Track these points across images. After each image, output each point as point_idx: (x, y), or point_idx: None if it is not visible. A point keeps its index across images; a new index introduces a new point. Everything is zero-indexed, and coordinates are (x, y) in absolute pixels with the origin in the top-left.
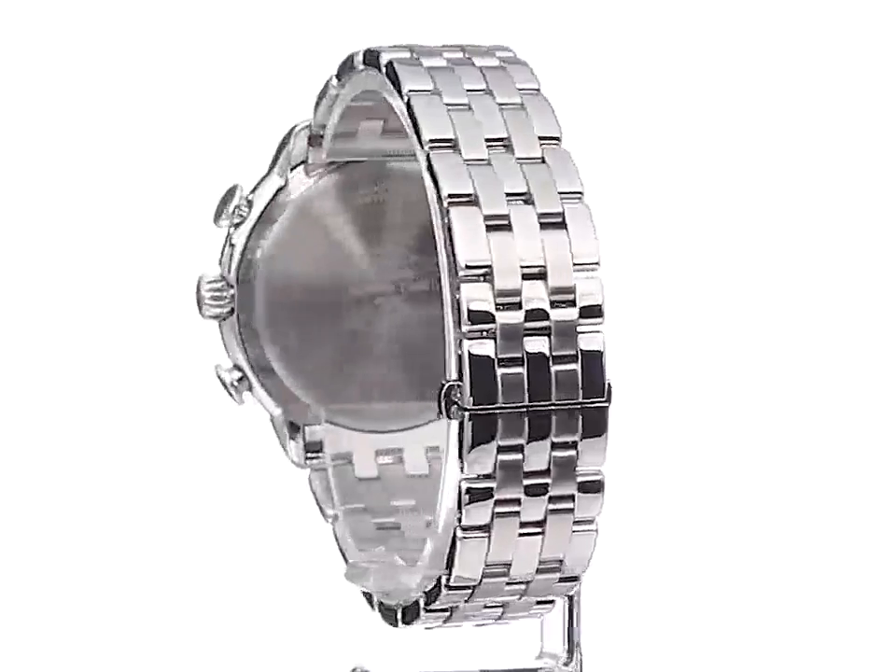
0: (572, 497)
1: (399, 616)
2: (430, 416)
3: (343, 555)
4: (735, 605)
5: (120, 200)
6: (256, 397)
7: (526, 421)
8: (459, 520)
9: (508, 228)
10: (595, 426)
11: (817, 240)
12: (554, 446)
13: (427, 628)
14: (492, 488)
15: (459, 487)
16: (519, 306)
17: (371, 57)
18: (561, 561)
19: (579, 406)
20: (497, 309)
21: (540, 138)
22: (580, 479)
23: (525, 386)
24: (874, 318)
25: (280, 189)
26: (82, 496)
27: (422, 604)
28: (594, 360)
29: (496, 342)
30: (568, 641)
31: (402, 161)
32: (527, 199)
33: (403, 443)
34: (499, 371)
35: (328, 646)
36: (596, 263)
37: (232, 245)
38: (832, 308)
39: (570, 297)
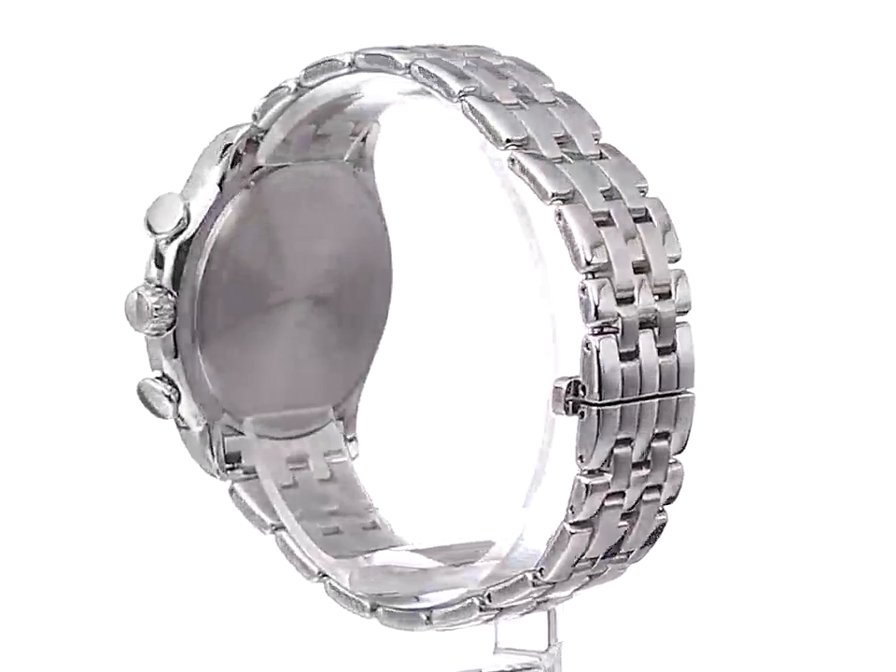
0: (660, 487)
1: (425, 619)
2: (329, 420)
3: (298, 565)
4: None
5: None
6: (180, 410)
7: (637, 413)
8: (570, 515)
9: (612, 223)
10: (686, 414)
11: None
12: (654, 436)
13: (443, 630)
14: (608, 482)
15: (577, 483)
16: (632, 300)
17: (376, 59)
18: (632, 551)
19: (677, 396)
20: (617, 304)
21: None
22: (669, 468)
23: (639, 379)
24: None
25: (217, 196)
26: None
27: (477, 603)
28: (688, 351)
29: (616, 337)
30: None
31: (306, 165)
32: (613, 194)
33: (307, 450)
34: (621, 366)
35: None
36: (680, 255)
37: (166, 255)
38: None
39: (668, 289)
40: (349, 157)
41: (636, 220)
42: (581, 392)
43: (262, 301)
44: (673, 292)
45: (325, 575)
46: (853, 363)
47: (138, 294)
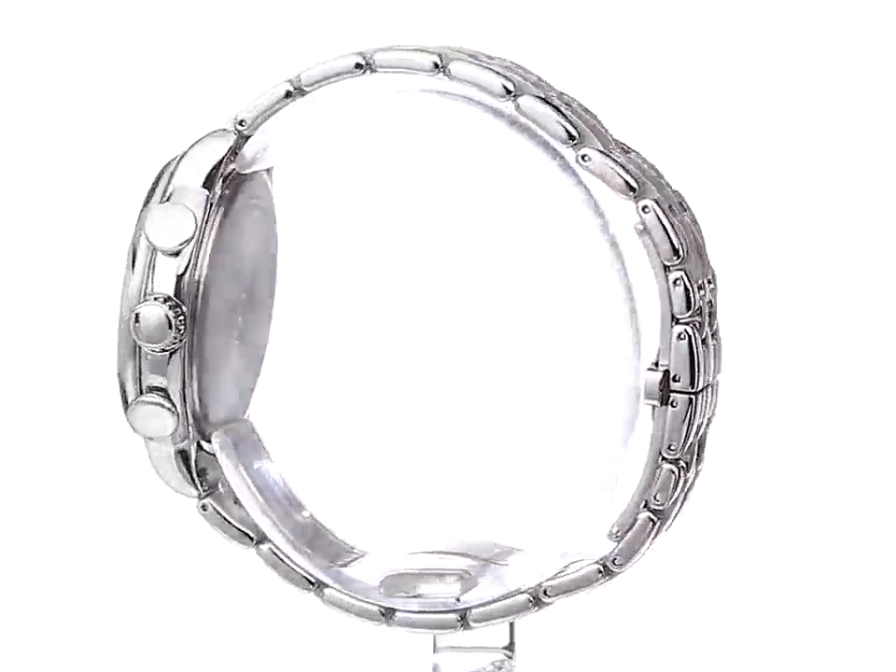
0: (698, 472)
1: (457, 618)
2: (249, 427)
3: (288, 575)
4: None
5: None
6: None
7: (705, 398)
8: (654, 503)
9: (677, 215)
10: (718, 398)
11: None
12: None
13: (478, 628)
14: (686, 466)
15: (664, 472)
16: (702, 289)
17: (397, 60)
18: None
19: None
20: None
21: None
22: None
23: (712, 366)
24: None
25: (210, 206)
26: None
27: (529, 599)
28: (721, 336)
29: (696, 326)
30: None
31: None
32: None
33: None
34: (701, 354)
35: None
36: (706, 244)
37: (170, 268)
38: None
39: (711, 276)
40: None
41: (682, 210)
42: (672, 381)
43: (231, 313)
44: (712, 279)
45: (321, 584)
46: (856, 353)
47: (153, 307)
